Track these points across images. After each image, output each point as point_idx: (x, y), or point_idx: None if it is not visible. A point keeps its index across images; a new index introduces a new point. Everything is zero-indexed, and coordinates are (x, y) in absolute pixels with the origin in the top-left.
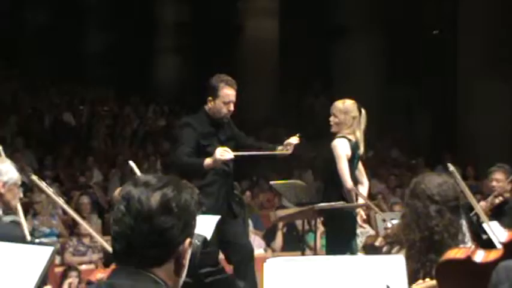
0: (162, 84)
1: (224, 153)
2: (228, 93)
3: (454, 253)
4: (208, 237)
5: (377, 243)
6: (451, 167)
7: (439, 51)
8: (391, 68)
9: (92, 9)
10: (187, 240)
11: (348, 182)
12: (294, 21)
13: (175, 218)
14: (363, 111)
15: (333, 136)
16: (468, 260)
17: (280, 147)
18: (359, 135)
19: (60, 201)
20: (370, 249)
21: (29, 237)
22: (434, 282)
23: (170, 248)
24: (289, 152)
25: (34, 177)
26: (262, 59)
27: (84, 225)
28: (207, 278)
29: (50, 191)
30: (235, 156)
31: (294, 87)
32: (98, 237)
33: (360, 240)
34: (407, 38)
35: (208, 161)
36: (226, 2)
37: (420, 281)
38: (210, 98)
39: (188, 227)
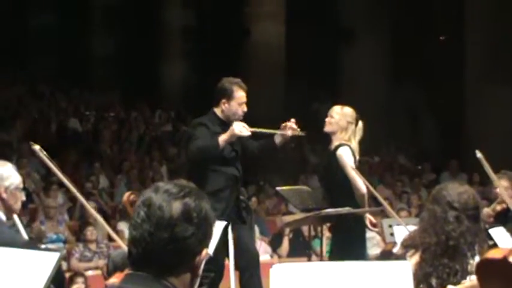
0: (169, 90)
1: (243, 129)
2: (242, 94)
3: (493, 253)
4: (214, 243)
5: (394, 250)
6: (479, 154)
7: (446, 56)
8: (397, 73)
9: (99, 14)
10: (204, 251)
11: (362, 188)
12: (300, 26)
13: (195, 227)
14: (360, 122)
15: (330, 140)
16: (504, 260)
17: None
18: (354, 144)
19: (64, 178)
20: (388, 256)
21: None
22: (475, 281)
23: (187, 257)
24: (296, 133)
25: (36, 147)
26: (268, 63)
27: (90, 209)
28: None
29: (52, 165)
30: (252, 132)
31: (300, 92)
32: (110, 231)
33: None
34: (414, 42)
35: (223, 136)
36: (233, 6)
37: (466, 280)
38: (224, 101)
39: (206, 237)
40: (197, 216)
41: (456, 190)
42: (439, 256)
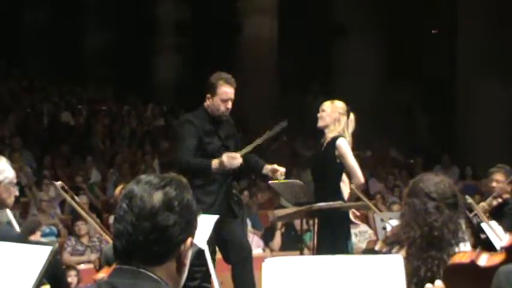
0: (161, 84)
1: (233, 161)
2: (227, 90)
3: (459, 257)
4: (206, 237)
5: (377, 248)
6: (469, 199)
7: (438, 51)
8: (390, 68)
9: (91, 8)
10: (189, 240)
11: (362, 177)
12: (293, 21)
13: (177, 216)
14: (352, 115)
15: (322, 134)
16: (472, 264)
17: (269, 167)
18: (348, 136)
19: (85, 213)
20: (370, 253)
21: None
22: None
23: (172, 246)
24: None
25: (58, 186)
26: (260, 58)
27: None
28: None
29: (74, 202)
30: (242, 156)
31: (293, 87)
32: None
33: (358, 240)
34: (406, 38)
35: (216, 164)
36: (225, 1)
37: (429, 285)
38: (208, 95)
39: (190, 226)
40: (178, 204)
41: (432, 181)
42: (425, 249)
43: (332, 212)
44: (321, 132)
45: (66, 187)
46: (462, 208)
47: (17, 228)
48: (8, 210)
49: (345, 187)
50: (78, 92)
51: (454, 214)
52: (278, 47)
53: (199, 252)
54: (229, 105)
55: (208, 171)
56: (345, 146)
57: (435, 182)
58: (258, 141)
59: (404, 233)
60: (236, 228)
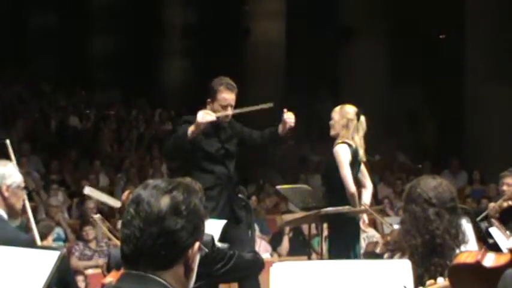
0: (169, 88)
1: (205, 115)
2: (226, 97)
3: (464, 257)
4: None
5: (377, 250)
6: (496, 222)
7: (446, 53)
8: (397, 71)
9: (99, 12)
10: (196, 244)
11: (352, 187)
12: (301, 24)
13: (185, 220)
14: (362, 117)
15: (333, 140)
16: (477, 264)
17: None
18: (357, 140)
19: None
20: (371, 256)
21: (39, 241)
22: (447, 282)
23: (179, 250)
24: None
25: (98, 219)
26: (269, 61)
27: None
28: (219, 271)
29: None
30: (217, 117)
31: (301, 90)
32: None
33: (365, 244)
34: (413, 40)
35: (191, 127)
36: (233, 4)
37: (431, 281)
38: (208, 100)
39: (197, 230)
40: (186, 208)
41: (430, 185)
42: (428, 256)
43: (342, 217)
44: (332, 137)
45: (104, 219)
46: (461, 210)
47: (36, 233)
48: (30, 215)
49: (366, 191)
50: (85, 96)
51: (454, 218)
52: (286, 51)
53: (212, 239)
54: (229, 111)
55: (184, 137)
56: (341, 153)
57: (433, 186)
58: (238, 110)
59: (405, 241)
60: (239, 234)
